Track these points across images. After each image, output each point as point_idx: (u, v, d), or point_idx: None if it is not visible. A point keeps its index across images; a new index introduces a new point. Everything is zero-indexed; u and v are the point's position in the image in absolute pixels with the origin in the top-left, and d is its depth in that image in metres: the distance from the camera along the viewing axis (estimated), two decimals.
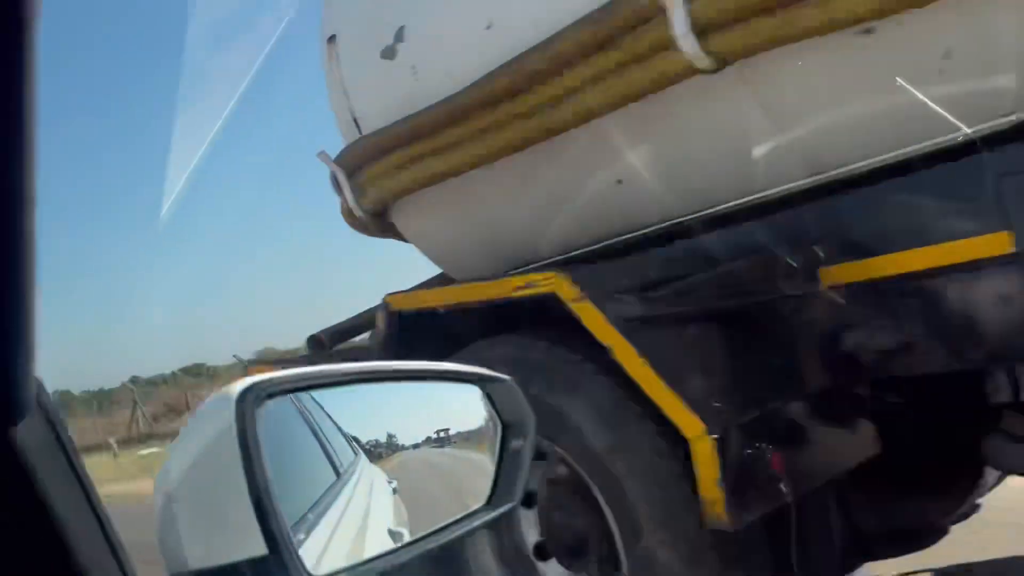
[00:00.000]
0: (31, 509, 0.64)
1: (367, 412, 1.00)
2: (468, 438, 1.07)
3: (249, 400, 0.79)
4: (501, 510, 0.94)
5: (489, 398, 0.98)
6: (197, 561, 0.83)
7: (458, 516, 0.94)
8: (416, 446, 1.01)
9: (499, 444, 0.97)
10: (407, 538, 0.93)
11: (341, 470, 0.96)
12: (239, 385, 0.81)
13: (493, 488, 0.96)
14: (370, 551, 0.92)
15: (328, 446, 0.95)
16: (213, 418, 0.82)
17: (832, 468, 2.66)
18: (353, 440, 0.97)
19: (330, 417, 0.95)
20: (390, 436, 0.99)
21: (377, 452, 0.99)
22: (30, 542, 0.65)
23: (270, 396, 0.82)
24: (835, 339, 2.64)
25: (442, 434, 1.03)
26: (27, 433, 0.62)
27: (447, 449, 1.05)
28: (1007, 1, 2.13)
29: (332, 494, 0.94)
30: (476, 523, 0.92)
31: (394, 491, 0.98)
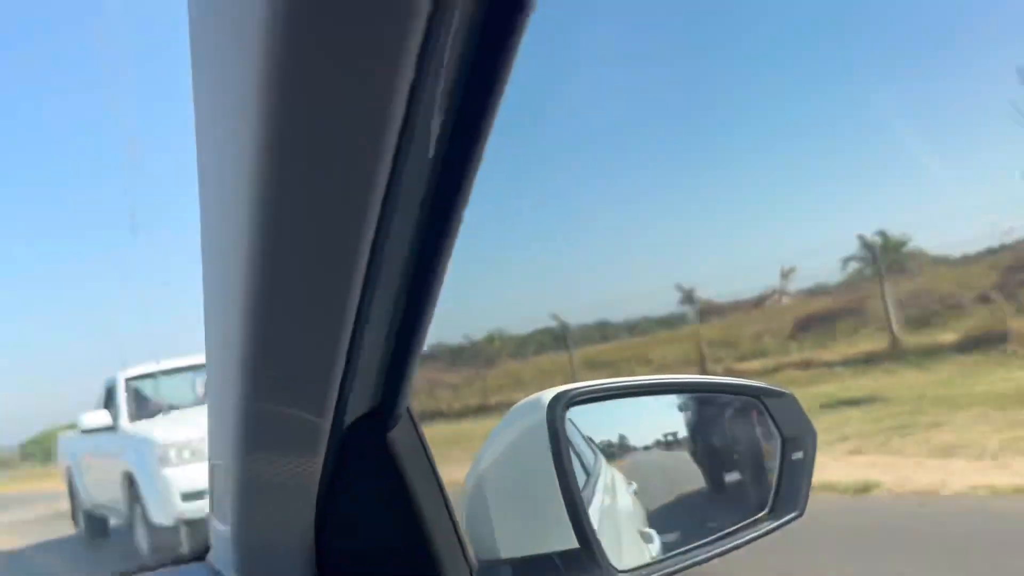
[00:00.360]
0: (400, 497, 0.74)
1: (599, 417, 1.05)
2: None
3: (559, 405, 0.87)
4: (784, 519, 0.96)
5: (768, 411, 1.00)
6: (508, 550, 0.92)
7: (740, 524, 0.97)
8: (647, 448, 1.05)
9: (779, 456, 0.99)
10: (656, 540, 0.98)
11: (589, 471, 1.02)
12: (550, 392, 0.89)
13: (774, 498, 0.98)
14: (634, 550, 0.97)
15: (576, 447, 1.01)
16: (524, 419, 0.91)
17: None
18: (590, 441, 1.03)
19: (570, 421, 1.01)
20: (622, 438, 1.04)
21: (610, 453, 1.04)
22: (397, 522, 0.75)
23: (575, 403, 0.89)
24: None
25: (670, 438, 1.07)
26: (399, 437, 0.73)
27: (674, 452, 1.09)
28: None
29: (587, 493, 0.99)
30: (759, 532, 0.95)
31: (634, 492, 1.03)
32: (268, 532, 0.77)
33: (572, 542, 0.85)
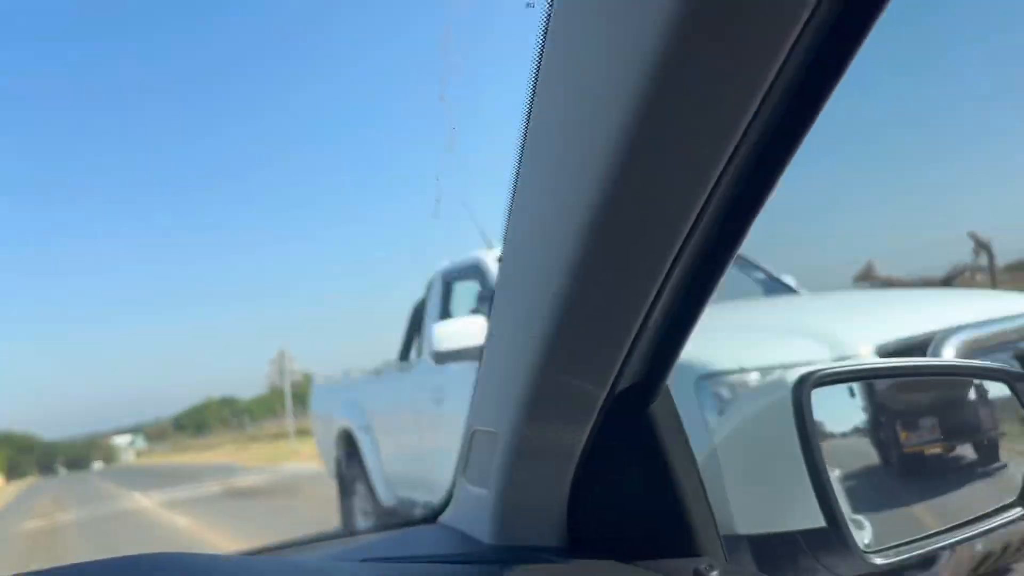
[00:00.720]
0: (657, 469, 0.76)
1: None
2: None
3: (806, 385, 0.87)
4: None
5: (1017, 394, 0.96)
6: (745, 526, 0.93)
7: (988, 510, 0.94)
8: (844, 435, 1.02)
9: None
10: (867, 526, 0.95)
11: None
12: (793, 372, 0.89)
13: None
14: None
15: None
16: (764, 398, 0.91)
17: None
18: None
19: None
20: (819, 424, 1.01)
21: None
22: (654, 493, 0.77)
23: (823, 383, 0.88)
24: None
25: (863, 424, 1.03)
26: (658, 411, 0.75)
27: (878, 437, 1.05)
28: None
29: None
30: (1010, 517, 0.92)
31: (838, 478, 1.00)
32: (527, 497, 0.81)
33: (813, 522, 0.85)
